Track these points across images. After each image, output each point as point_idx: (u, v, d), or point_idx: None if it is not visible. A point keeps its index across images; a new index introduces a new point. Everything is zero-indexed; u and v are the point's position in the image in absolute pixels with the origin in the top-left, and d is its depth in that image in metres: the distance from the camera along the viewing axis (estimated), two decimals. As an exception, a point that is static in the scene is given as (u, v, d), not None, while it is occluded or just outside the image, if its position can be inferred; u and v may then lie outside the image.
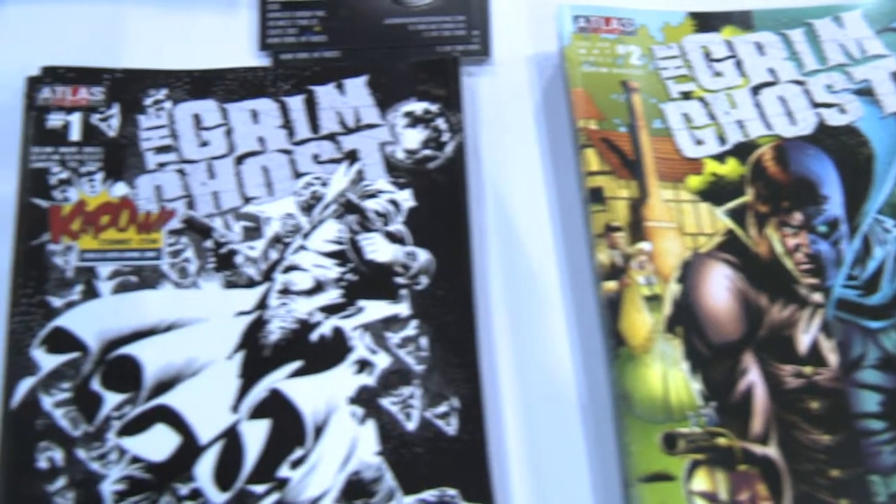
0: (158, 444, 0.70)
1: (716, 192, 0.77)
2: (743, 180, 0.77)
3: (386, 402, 0.72)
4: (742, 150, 0.79)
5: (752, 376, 0.71)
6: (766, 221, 0.76)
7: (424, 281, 0.75)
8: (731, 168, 0.78)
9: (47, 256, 0.75)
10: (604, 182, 0.76)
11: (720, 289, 0.74)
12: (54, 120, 0.79)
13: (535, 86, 0.85)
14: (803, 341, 0.72)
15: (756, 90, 0.81)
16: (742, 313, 0.73)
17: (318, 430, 0.71)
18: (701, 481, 0.67)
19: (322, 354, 0.73)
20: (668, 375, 0.70)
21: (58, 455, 0.70)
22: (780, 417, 0.69)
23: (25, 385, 0.71)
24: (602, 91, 0.80)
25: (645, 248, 0.74)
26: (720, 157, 0.78)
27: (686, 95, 0.81)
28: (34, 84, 0.81)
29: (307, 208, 0.78)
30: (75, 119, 0.80)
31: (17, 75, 0.81)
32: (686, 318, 0.72)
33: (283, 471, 0.70)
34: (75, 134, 0.79)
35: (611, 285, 0.73)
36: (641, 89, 0.80)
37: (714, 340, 0.72)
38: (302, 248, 0.77)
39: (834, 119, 0.80)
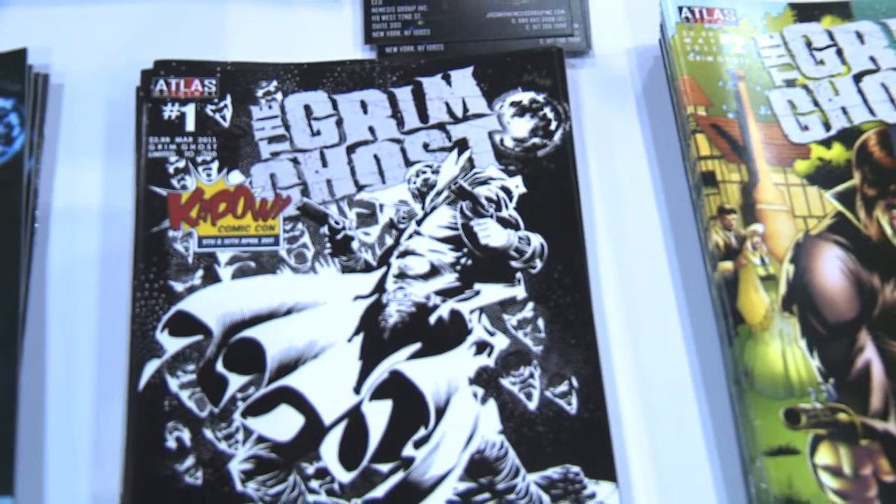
0: (283, 424, 0.71)
1: (823, 176, 0.78)
2: (849, 165, 0.79)
3: (506, 383, 0.73)
4: (847, 136, 0.80)
5: (869, 354, 0.72)
6: (875, 204, 0.77)
7: (539, 264, 0.77)
8: (837, 153, 0.79)
9: (168, 242, 0.76)
10: (715, 166, 0.78)
11: (833, 269, 0.75)
12: (170, 111, 0.81)
13: (635, 77, 0.87)
14: (918, 321, 0.73)
15: (858, 77, 0.82)
16: (855, 293, 0.74)
17: (440, 410, 0.72)
18: (825, 455, 0.68)
19: (441, 336, 0.75)
20: (787, 352, 0.71)
21: (185, 435, 0.71)
22: (898, 394, 0.71)
23: (151, 367, 0.72)
24: (708, 79, 0.81)
25: (758, 230, 0.75)
26: (826, 143, 0.80)
27: (790, 83, 0.82)
28: (149, 77, 0.82)
29: (420, 195, 0.79)
30: (189, 110, 0.81)
31: (128, 69, 0.83)
32: (801, 298, 0.73)
33: (408, 450, 0.71)
34: (190, 124, 0.81)
35: (727, 265, 0.74)
36: (746, 77, 0.82)
37: (829, 319, 0.73)
38: (416, 233, 0.78)
39: (937, 104, 0.81)
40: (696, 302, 0.77)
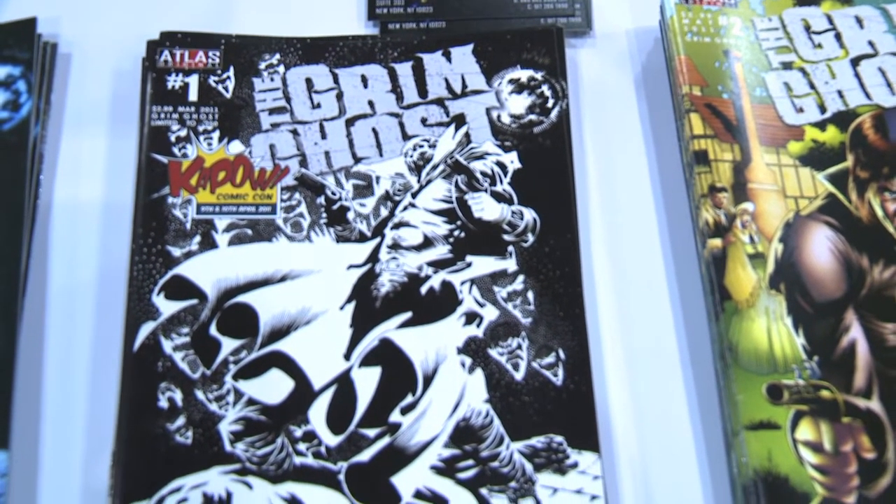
0: (273, 388, 0.73)
1: (816, 158, 0.79)
2: (843, 147, 0.79)
3: (494, 353, 0.74)
4: (842, 119, 0.80)
5: (855, 333, 0.72)
6: (867, 186, 0.77)
7: (531, 238, 0.78)
8: (831, 135, 0.80)
9: (167, 208, 0.78)
10: (708, 145, 0.78)
11: (822, 249, 0.75)
12: (174, 81, 0.83)
13: (635, 58, 0.88)
14: (905, 301, 0.73)
15: (855, 62, 0.83)
16: (843, 273, 0.74)
17: (428, 378, 0.73)
18: (806, 431, 0.69)
19: (431, 306, 0.76)
20: (773, 329, 0.72)
21: (177, 395, 0.72)
22: (882, 373, 0.71)
23: (147, 329, 0.74)
24: (705, 59, 0.82)
25: (748, 209, 0.76)
26: (820, 125, 0.80)
27: (786, 66, 0.83)
28: (154, 47, 0.84)
29: (416, 168, 0.80)
30: (193, 80, 0.83)
31: (135, 41, 0.85)
32: (789, 276, 0.74)
33: (395, 416, 0.72)
34: (193, 94, 0.82)
35: (716, 242, 0.75)
36: (743, 59, 0.82)
37: (816, 298, 0.73)
38: (411, 205, 0.79)
39: (933, 90, 0.82)
40: (685, 278, 0.78)
